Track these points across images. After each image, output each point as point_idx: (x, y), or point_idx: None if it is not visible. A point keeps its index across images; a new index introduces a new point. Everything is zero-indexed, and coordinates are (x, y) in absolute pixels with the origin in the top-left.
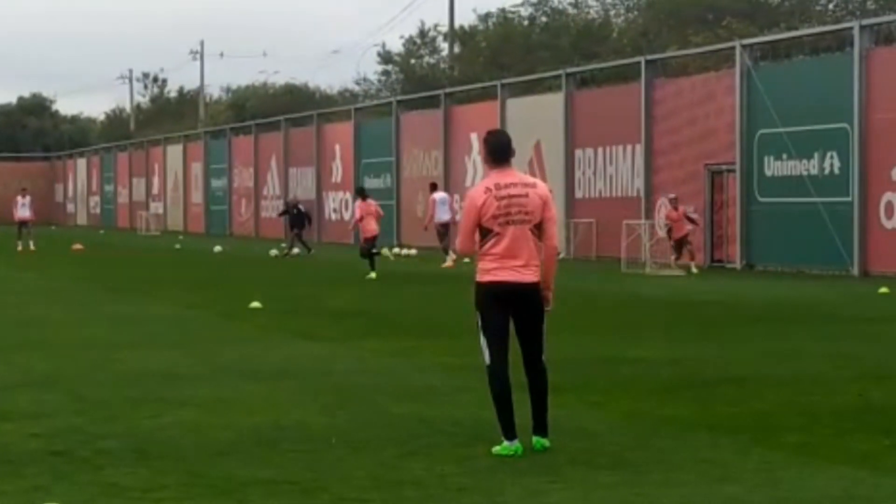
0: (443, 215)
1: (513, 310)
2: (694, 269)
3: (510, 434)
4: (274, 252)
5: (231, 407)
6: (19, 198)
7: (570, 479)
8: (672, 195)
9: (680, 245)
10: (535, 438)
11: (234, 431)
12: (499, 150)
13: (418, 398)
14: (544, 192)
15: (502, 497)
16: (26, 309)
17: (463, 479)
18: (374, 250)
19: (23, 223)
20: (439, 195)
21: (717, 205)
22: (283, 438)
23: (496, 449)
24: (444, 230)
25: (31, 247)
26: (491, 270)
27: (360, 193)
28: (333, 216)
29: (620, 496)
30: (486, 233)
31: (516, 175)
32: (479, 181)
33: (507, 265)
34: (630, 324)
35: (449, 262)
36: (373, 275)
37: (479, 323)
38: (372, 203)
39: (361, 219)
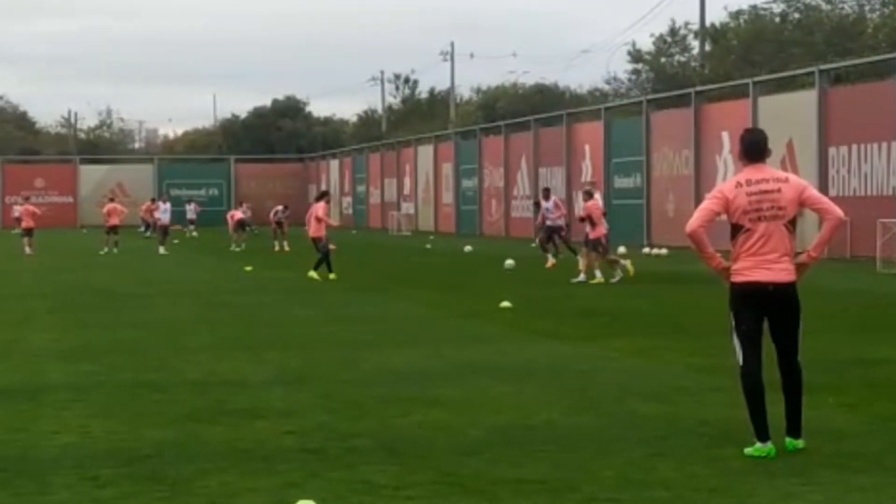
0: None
1: (767, 310)
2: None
3: (763, 435)
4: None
5: (479, 406)
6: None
7: (823, 481)
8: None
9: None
10: (788, 440)
11: (482, 430)
12: (753, 148)
13: (666, 398)
14: (798, 183)
15: (754, 499)
16: (279, 308)
17: (714, 481)
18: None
19: (279, 224)
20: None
21: None
22: (531, 438)
23: (748, 450)
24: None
25: (286, 247)
26: (744, 270)
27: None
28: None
29: (874, 500)
30: (737, 230)
31: (768, 171)
32: (730, 178)
33: (760, 264)
34: (886, 324)
35: (550, 263)
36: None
37: (732, 323)
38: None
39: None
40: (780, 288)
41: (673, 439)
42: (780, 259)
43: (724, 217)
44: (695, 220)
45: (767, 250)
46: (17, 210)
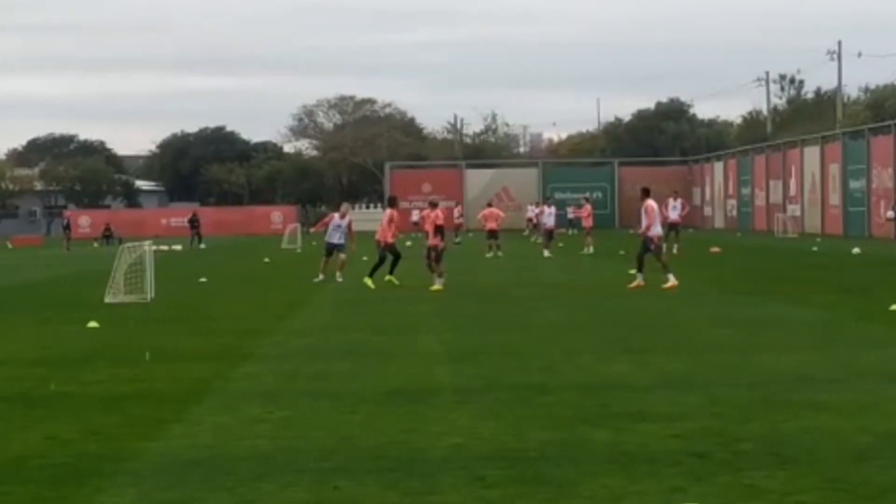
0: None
1: None
2: None
3: None
4: None
5: (869, 411)
6: (670, 200)
7: None
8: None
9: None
10: None
11: (873, 436)
12: None
13: None
14: None
15: None
16: (662, 311)
17: None
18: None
19: (671, 226)
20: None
21: None
22: None
23: None
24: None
25: (675, 251)
26: None
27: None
28: None
29: None
30: None
31: None
32: None
33: None
34: None
35: None
36: None
37: None
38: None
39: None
40: None
41: None
42: None
43: None
44: None
45: None
46: (416, 215)
